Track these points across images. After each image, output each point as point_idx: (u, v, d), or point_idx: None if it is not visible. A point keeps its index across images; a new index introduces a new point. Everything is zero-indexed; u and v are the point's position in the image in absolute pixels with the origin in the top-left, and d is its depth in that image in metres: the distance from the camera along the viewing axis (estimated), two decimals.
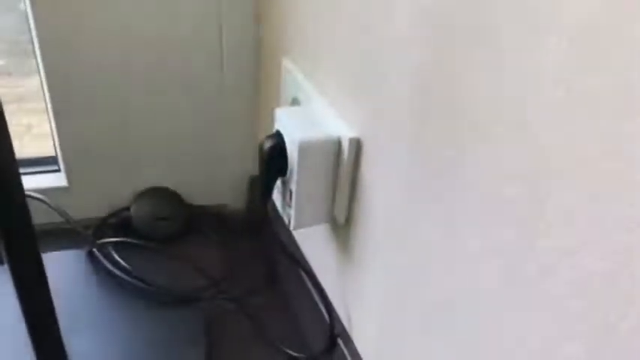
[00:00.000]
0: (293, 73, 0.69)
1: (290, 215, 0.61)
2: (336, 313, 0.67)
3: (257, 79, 0.89)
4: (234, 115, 0.92)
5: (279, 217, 0.65)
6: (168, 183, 0.94)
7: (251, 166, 0.96)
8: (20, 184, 0.53)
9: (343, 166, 0.57)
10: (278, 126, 0.60)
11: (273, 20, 0.79)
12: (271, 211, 0.67)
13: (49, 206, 0.76)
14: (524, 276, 0.35)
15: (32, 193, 0.78)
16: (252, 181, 0.98)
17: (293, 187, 0.58)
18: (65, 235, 0.85)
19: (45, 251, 0.60)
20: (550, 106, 0.31)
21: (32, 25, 0.77)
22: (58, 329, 0.64)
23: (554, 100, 0.31)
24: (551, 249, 0.32)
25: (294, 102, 0.69)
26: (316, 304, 0.71)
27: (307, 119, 0.60)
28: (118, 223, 0.92)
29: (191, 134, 0.92)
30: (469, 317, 0.41)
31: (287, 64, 0.71)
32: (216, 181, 0.97)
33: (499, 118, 0.36)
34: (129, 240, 0.85)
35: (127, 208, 0.92)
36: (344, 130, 0.56)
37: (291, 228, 0.61)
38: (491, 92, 0.36)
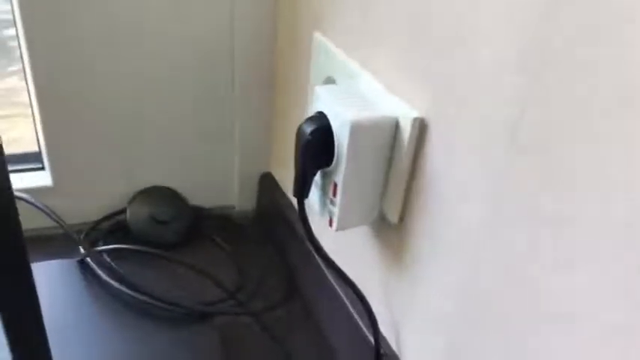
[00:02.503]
0: (328, 48, 0.59)
1: (333, 213, 0.51)
2: (380, 330, 0.57)
3: (271, 59, 0.79)
4: (243, 105, 0.82)
5: (293, 217, 0.55)
6: (169, 182, 0.84)
7: (262, 163, 0.87)
8: (8, 185, 0.42)
9: (401, 153, 0.47)
10: (320, 107, 0.50)
11: None
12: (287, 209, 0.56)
13: (37, 207, 0.65)
14: None
15: (17, 193, 0.67)
16: (263, 180, 0.88)
17: (339, 178, 0.48)
18: (52, 243, 0.75)
19: (30, 261, 0.50)
20: None
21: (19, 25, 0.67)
22: (47, 349, 0.54)
23: None
24: None
25: (328, 82, 0.59)
26: (353, 320, 0.61)
27: (355, 98, 0.50)
28: (112, 227, 0.82)
29: (194, 127, 0.82)
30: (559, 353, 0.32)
31: (319, 38, 0.61)
32: (222, 180, 0.88)
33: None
34: (126, 246, 0.74)
35: (123, 211, 0.82)
36: (403, 109, 0.47)
37: (334, 229, 0.51)
38: None
